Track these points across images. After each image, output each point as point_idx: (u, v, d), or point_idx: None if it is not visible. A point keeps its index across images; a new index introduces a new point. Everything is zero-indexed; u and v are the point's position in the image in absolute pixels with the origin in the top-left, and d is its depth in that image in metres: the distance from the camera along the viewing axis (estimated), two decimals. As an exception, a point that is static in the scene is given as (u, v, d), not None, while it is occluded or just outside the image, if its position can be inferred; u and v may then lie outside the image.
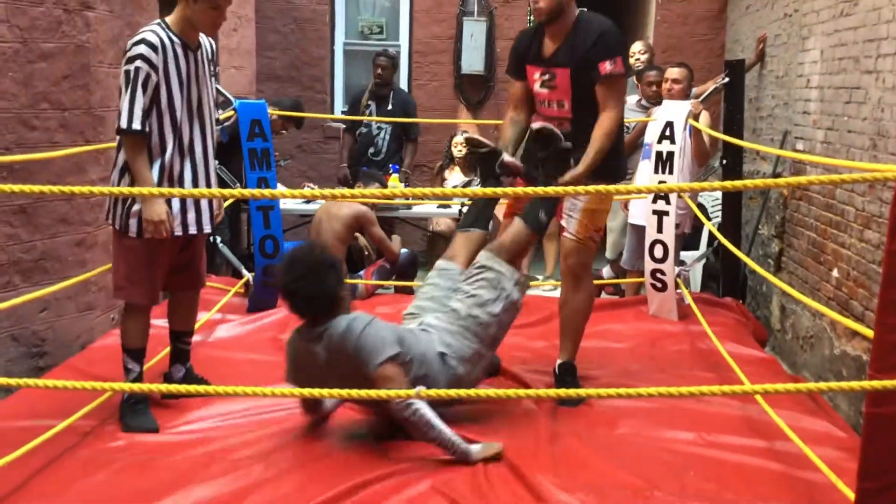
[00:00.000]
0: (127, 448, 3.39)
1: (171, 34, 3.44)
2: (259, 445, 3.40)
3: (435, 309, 3.68)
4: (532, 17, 3.68)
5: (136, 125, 3.29)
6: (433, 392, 2.78)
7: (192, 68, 3.48)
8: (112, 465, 3.23)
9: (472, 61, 8.24)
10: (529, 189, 2.92)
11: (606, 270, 6.57)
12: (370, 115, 7.13)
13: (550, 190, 2.81)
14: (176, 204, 3.47)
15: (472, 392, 2.56)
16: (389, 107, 7.11)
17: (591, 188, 2.62)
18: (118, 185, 3.38)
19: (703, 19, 8.01)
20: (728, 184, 2.57)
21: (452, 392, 2.67)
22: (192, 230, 3.57)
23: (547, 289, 6.88)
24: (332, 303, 3.32)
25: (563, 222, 3.98)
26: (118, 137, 3.41)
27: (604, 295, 6.47)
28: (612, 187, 2.61)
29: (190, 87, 3.47)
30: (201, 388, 3.27)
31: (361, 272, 6.04)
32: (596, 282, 6.40)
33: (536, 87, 3.89)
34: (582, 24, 3.78)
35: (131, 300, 3.57)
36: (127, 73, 3.34)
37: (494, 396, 2.49)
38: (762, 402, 3.64)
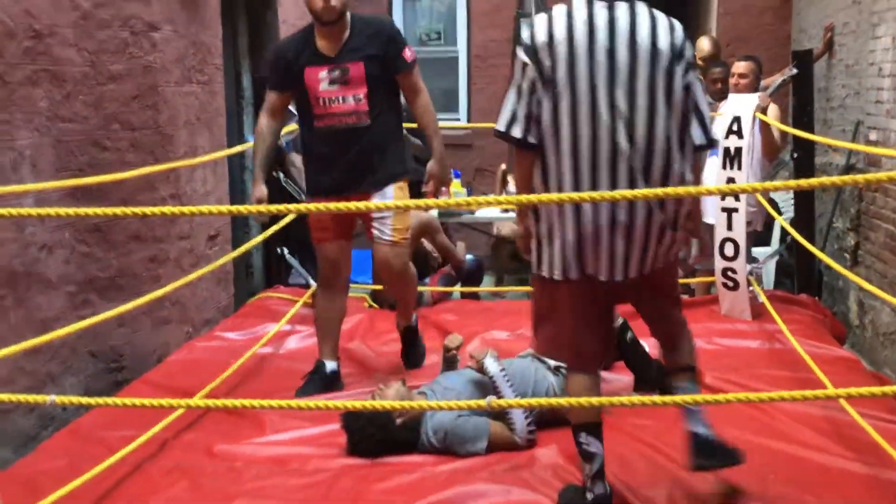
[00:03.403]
0: (208, 457, 3.46)
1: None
2: (337, 460, 3.44)
3: None
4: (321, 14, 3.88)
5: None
6: (504, 402, 2.77)
7: None
8: (194, 474, 3.30)
9: (531, 63, 8.17)
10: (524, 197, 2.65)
11: (675, 270, 6.44)
12: None
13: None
14: None
15: (554, 401, 2.52)
16: None
17: (651, 191, 2.57)
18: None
19: (767, 9, 7.82)
20: (798, 182, 2.50)
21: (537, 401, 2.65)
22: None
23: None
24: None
25: (376, 233, 4.13)
26: None
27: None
28: (681, 189, 2.55)
29: None
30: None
31: (427, 279, 6.04)
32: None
33: (323, 86, 3.94)
34: (358, 21, 4.02)
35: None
36: None
37: (582, 404, 2.45)
38: (845, 404, 3.54)
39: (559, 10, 2.73)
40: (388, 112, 4.07)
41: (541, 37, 2.71)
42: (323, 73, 3.94)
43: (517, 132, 2.75)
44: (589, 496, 2.87)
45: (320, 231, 4.17)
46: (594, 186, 2.68)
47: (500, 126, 2.80)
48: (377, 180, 4.04)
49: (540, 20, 2.74)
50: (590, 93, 2.66)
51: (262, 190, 4.07)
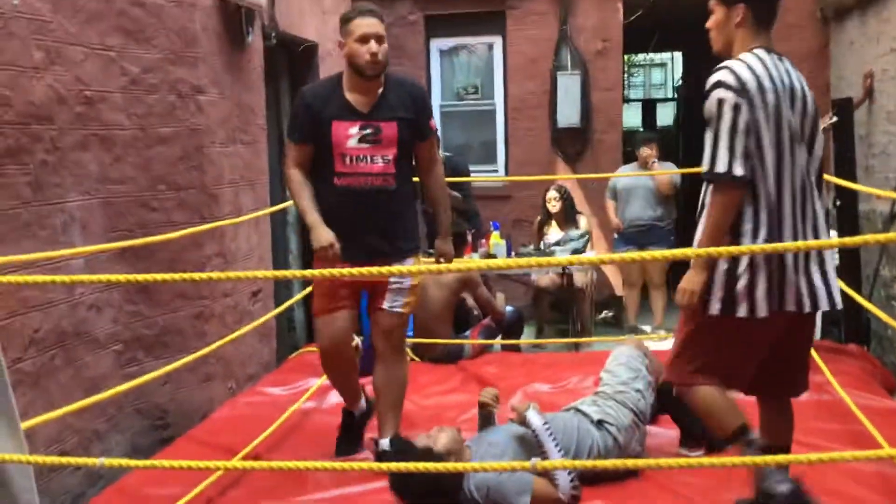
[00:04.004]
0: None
1: None
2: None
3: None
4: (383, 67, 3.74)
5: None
6: (548, 464, 2.75)
7: None
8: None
9: (569, 115, 8.25)
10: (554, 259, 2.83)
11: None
12: None
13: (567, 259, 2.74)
14: None
15: (599, 463, 2.50)
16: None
17: (675, 252, 2.57)
18: None
19: (805, 58, 7.80)
20: (846, 241, 2.50)
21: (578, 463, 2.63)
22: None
23: (656, 340, 6.74)
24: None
25: (388, 302, 3.86)
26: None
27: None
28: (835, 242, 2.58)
29: None
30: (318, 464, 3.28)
31: (468, 332, 6.04)
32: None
33: (352, 143, 3.71)
34: (394, 81, 3.84)
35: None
36: None
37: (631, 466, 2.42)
38: (899, 460, 3.46)
39: (752, 59, 2.93)
40: (407, 178, 3.89)
41: (751, 81, 2.87)
42: (354, 129, 3.72)
43: (739, 171, 2.84)
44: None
45: (335, 300, 3.82)
46: (795, 226, 2.93)
47: (720, 168, 2.84)
48: (401, 249, 3.80)
49: (740, 66, 2.90)
50: (789, 139, 2.92)
51: (329, 233, 3.65)
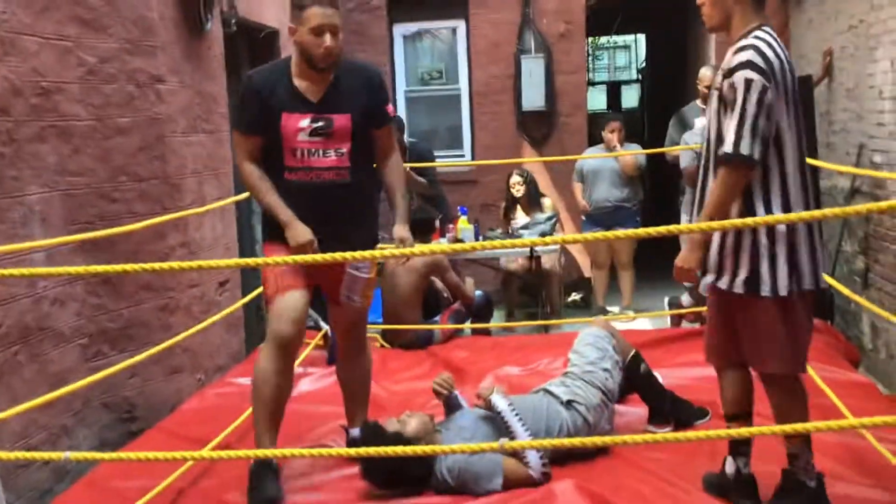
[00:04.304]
0: (220, 500, 3.46)
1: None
2: None
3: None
4: (317, 61, 3.45)
5: None
6: (517, 444, 2.76)
7: None
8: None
9: (533, 98, 8.26)
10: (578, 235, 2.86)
11: (686, 298, 6.44)
12: None
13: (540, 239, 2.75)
14: None
15: (567, 441, 2.51)
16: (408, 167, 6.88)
17: (693, 226, 2.58)
18: None
19: (764, 36, 7.87)
20: (817, 213, 2.51)
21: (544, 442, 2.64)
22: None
23: (624, 320, 6.79)
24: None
25: (344, 295, 3.70)
26: None
27: (684, 324, 6.34)
28: (662, 228, 2.57)
29: None
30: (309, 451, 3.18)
31: (437, 317, 6.04)
32: (676, 311, 6.32)
33: (302, 136, 3.48)
34: (347, 67, 3.59)
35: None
36: None
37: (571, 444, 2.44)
38: (866, 433, 3.52)
39: (769, 38, 2.92)
40: (366, 170, 3.68)
41: (775, 63, 2.87)
42: (304, 122, 3.48)
43: (756, 154, 2.84)
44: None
45: (288, 277, 3.52)
46: (807, 200, 2.96)
47: (745, 150, 2.82)
48: (354, 246, 3.23)
49: (765, 46, 2.88)
50: (797, 113, 2.95)
51: (306, 230, 3.47)
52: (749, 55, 2.86)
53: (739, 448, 3.16)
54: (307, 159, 3.52)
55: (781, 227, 2.88)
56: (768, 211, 2.92)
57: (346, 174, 3.56)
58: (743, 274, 2.95)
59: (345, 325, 3.81)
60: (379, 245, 3.97)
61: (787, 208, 2.92)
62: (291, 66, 3.55)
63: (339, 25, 3.47)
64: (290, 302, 3.50)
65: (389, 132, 3.73)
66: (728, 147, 2.86)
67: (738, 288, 2.97)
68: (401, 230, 3.60)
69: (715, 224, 2.72)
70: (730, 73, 2.89)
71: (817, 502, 3.05)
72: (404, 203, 3.73)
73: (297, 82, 3.52)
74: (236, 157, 3.67)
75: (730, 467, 3.18)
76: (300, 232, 3.45)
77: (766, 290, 2.92)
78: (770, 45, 2.90)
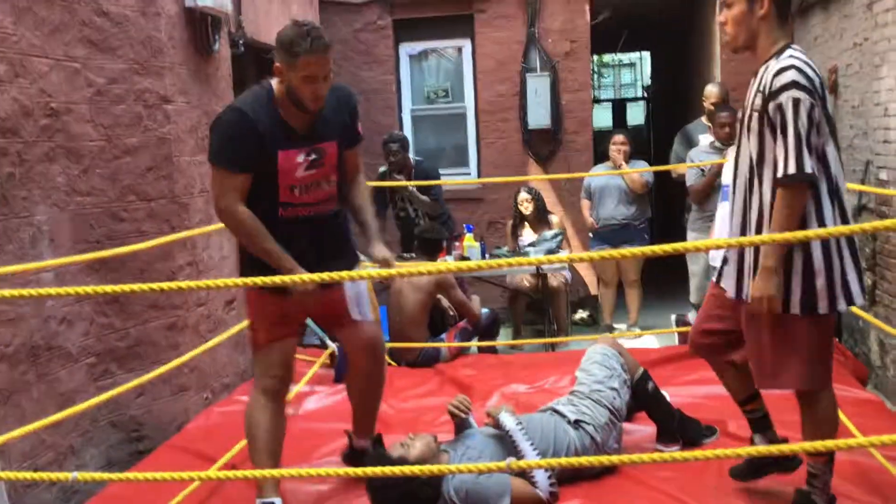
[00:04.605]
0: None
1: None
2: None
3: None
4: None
5: None
6: (524, 463, 2.76)
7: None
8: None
9: (539, 116, 8.29)
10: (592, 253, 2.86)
11: (692, 315, 6.43)
12: (404, 199, 6.95)
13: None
14: None
15: (574, 460, 2.51)
16: (412, 187, 6.80)
17: (678, 245, 2.59)
18: None
19: (769, 54, 7.89)
20: (822, 231, 2.51)
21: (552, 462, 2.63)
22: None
23: (630, 338, 6.78)
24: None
25: (356, 313, 3.61)
26: None
27: (692, 341, 6.32)
28: (677, 245, 2.57)
29: None
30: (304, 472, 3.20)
31: (444, 335, 6.04)
32: (683, 328, 6.31)
33: (300, 171, 3.31)
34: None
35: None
36: None
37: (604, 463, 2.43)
38: (873, 449, 3.50)
39: (802, 55, 2.94)
40: (341, 193, 3.54)
41: (816, 80, 2.89)
42: (300, 157, 3.30)
43: (813, 171, 2.85)
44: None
45: (280, 327, 3.44)
46: (846, 214, 2.98)
47: (808, 168, 2.82)
48: (342, 268, 3.31)
49: (803, 65, 2.89)
50: (833, 129, 2.99)
51: (309, 276, 3.15)
52: (793, 75, 2.85)
53: (761, 424, 3.29)
54: (304, 195, 3.36)
55: (833, 243, 2.91)
56: (819, 221, 2.93)
57: (334, 203, 3.48)
58: (798, 294, 2.93)
59: (366, 341, 3.68)
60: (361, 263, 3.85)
61: (845, 220, 2.96)
62: (276, 98, 3.31)
63: (331, 68, 3.28)
64: (284, 350, 3.46)
65: (357, 152, 3.61)
66: (789, 168, 2.84)
67: (795, 308, 2.95)
68: (381, 250, 3.47)
69: (769, 238, 2.77)
70: (775, 94, 2.87)
71: None
72: (375, 222, 3.64)
73: (284, 114, 3.30)
74: (216, 196, 3.34)
75: (761, 443, 3.28)
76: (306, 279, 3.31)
77: (823, 308, 2.94)
78: (807, 64, 2.91)
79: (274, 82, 3.32)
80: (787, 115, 2.83)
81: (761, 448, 2.20)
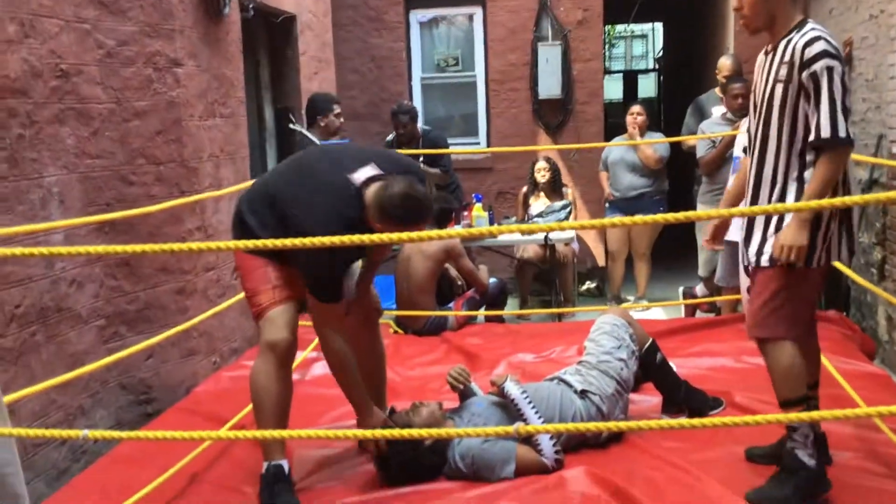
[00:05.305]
0: (237, 491, 3.49)
1: None
2: (365, 488, 3.48)
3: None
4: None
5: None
6: (531, 428, 2.77)
7: None
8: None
9: (549, 86, 8.24)
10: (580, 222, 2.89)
11: (700, 288, 6.42)
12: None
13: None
14: None
15: (582, 426, 2.52)
16: (421, 157, 6.76)
17: (678, 215, 2.58)
18: None
19: (784, 26, 7.81)
20: (836, 201, 2.51)
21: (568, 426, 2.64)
22: None
23: (639, 309, 6.78)
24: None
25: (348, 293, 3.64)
26: None
27: (699, 313, 6.33)
28: (688, 214, 2.55)
29: None
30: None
31: (451, 304, 6.05)
32: (690, 301, 6.31)
33: None
34: None
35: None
36: None
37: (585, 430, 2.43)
38: (879, 422, 3.51)
39: (822, 27, 3.06)
40: None
41: (840, 49, 3.03)
42: None
43: (848, 133, 2.96)
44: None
45: (282, 290, 3.45)
46: (848, 183, 3.12)
47: (842, 133, 2.94)
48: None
49: (829, 36, 3.01)
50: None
51: (378, 415, 3.56)
52: (823, 45, 2.97)
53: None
54: None
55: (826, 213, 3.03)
56: (845, 187, 3.07)
57: None
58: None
59: (359, 319, 3.79)
60: None
61: (846, 188, 3.09)
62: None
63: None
64: (288, 311, 3.47)
65: None
66: (826, 133, 2.94)
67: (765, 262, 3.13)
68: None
69: (808, 204, 2.85)
70: (808, 63, 2.97)
71: (816, 486, 3.06)
72: None
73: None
74: (331, 325, 3.46)
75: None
76: (375, 418, 3.54)
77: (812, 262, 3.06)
78: (830, 35, 3.04)
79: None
80: (821, 83, 2.94)
81: (770, 416, 2.21)
